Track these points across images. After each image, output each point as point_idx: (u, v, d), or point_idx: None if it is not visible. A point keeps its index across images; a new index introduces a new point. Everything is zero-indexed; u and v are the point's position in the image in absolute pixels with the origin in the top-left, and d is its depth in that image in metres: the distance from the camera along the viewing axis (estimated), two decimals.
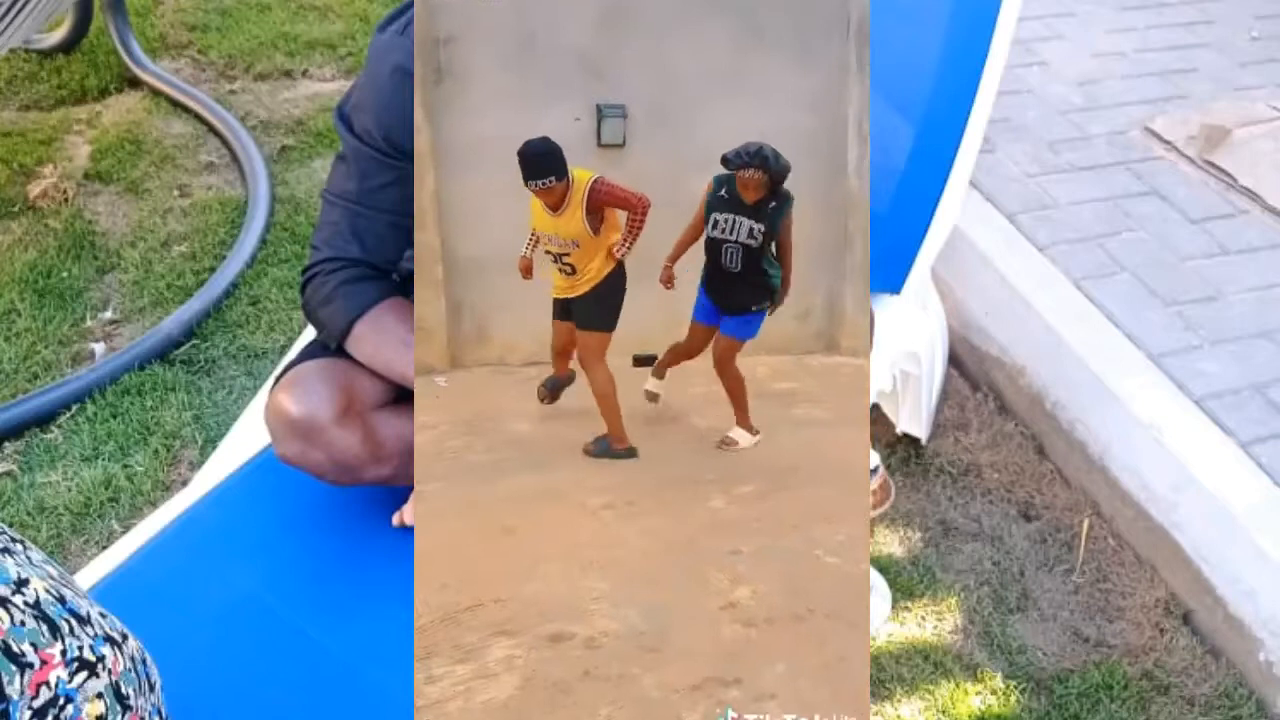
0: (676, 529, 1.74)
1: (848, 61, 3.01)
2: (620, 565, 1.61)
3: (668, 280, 2.10)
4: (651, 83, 2.84)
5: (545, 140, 1.92)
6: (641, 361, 2.44)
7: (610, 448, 2.07)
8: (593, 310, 2.06)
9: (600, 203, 1.97)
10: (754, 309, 2.08)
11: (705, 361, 2.17)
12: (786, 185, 1.98)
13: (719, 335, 2.12)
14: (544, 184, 1.92)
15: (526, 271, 2.14)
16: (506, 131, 2.18)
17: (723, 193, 2.00)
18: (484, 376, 2.79)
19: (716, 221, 2.01)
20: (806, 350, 2.99)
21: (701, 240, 2.06)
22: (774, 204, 1.97)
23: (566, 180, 1.95)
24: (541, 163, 1.91)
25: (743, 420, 2.15)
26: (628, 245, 2.00)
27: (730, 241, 2.01)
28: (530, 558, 1.63)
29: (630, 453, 2.07)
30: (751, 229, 1.98)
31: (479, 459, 2.09)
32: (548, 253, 2.05)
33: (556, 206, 1.97)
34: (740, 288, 2.06)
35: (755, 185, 1.94)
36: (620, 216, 2.01)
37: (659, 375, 2.32)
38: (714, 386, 2.17)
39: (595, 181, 1.96)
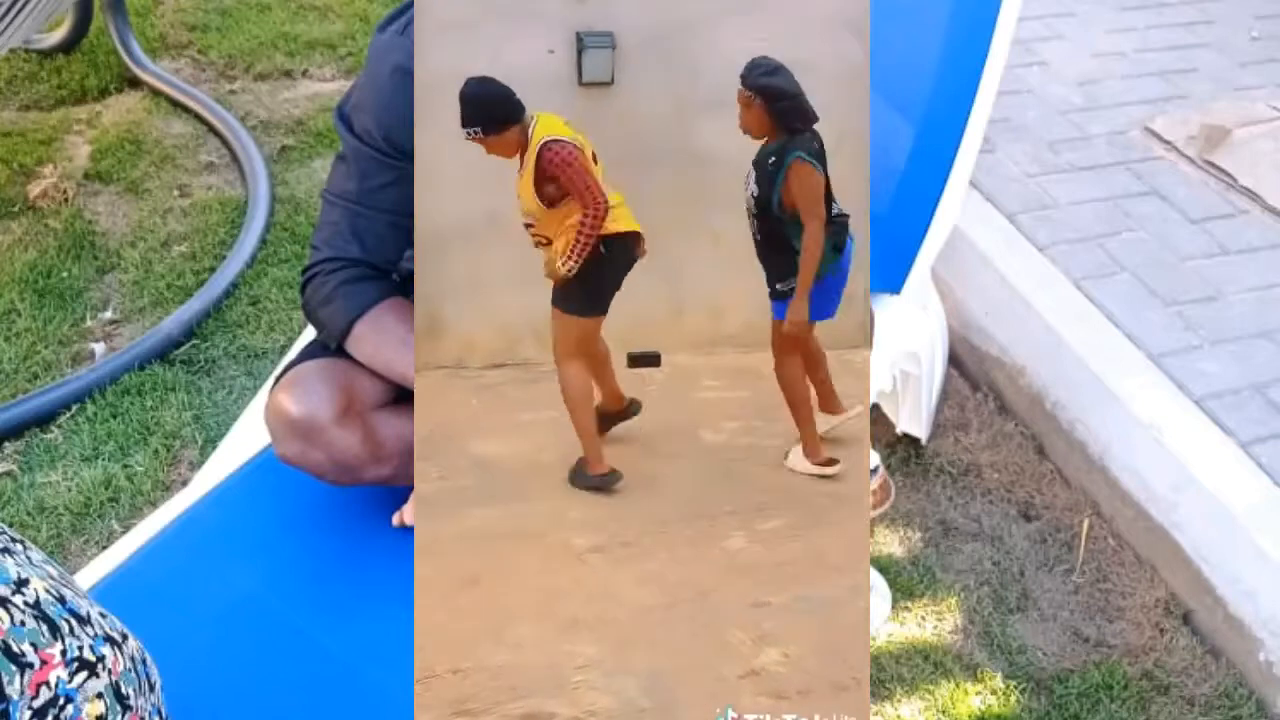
0: (685, 576, 1.45)
1: None
2: (613, 624, 1.33)
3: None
4: (644, 4, 2.28)
5: (482, 81, 1.64)
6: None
7: (584, 473, 1.74)
8: (566, 287, 1.73)
9: (548, 174, 1.66)
10: (777, 287, 1.72)
11: (711, 358, 1.91)
12: (820, 129, 1.64)
13: (774, 323, 1.73)
14: (472, 132, 1.64)
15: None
16: (462, 68, 1.73)
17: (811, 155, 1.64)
18: (438, 382, 2.31)
19: (747, 183, 1.66)
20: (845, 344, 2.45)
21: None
22: (773, 159, 1.65)
23: (513, 132, 1.65)
24: (469, 108, 1.63)
25: (808, 440, 1.74)
26: (572, 260, 1.67)
27: (747, 198, 1.67)
28: (498, 616, 1.36)
29: (607, 480, 1.71)
30: (749, 177, 1.65)
31: (432, 488, 1.76)
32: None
33: (520, 164, 1.68)
34: (770, 260, 1.72)
35: (751, 117, 1.63)
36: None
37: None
38: (727, 391, 1.91)
39: (544, 146, 1.64)
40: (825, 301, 1.70)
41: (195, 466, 2.21)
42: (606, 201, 1.66)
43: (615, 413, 1.89)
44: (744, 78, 1.61)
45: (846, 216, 1.71)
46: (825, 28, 2.31)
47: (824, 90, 1.61)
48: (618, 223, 1.68)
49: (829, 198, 1.66)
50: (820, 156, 1.64)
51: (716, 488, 1.73)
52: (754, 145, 1.68)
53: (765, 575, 1.45)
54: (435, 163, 2.11)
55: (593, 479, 1.72)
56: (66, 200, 3.01)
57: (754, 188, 1.67)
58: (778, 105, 1.60)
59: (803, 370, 1.74)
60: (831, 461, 1.74)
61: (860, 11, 2.31)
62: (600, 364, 1.84)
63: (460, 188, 2.14)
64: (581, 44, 2.26)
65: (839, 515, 1.61)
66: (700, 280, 1.83)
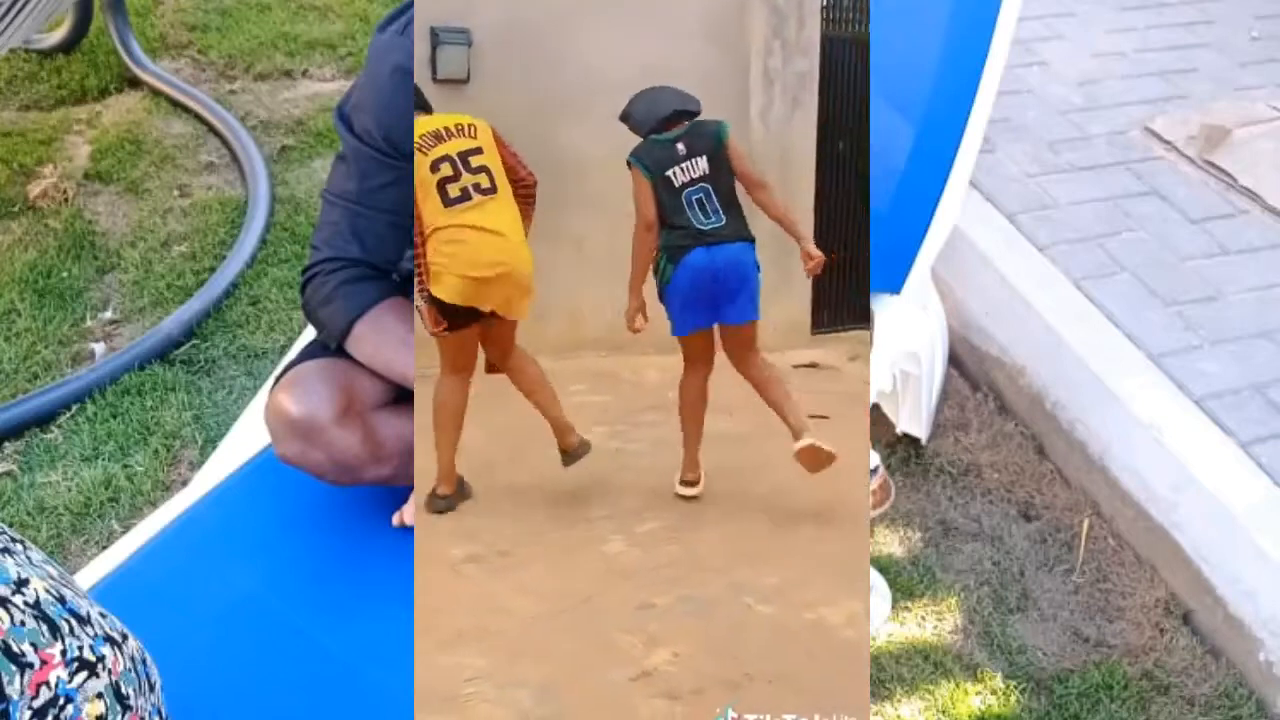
0: (566, 583, 1.44)
1: None
2: (498, 635, 1.31)
3: (638, 318, 1.75)
4: (503, 0, 2.21)
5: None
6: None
7: (435, 495, 1.78)
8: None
9: None
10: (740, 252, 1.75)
11: (572, 361, 1.88)
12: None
13: (724, 330, 1.78)
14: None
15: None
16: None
17: (656, 151, 1.75)
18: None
19: (674, 172, 1.73)
20: None
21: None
22: (705, 132, 1.76)
23: None
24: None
25: (796, 424, 1.75)
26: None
27: (696, 183, 1.73)
28: None
29: (452, 501, 1.73)
30: (709, 149, 1.74)
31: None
32: None
33: None
34: (718, 229, 1.75)
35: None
36: None
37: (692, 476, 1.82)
38: (592, 396, 1.85)
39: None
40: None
41: (195, 466, 2.21)
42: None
43: (567, 450, 1.83)
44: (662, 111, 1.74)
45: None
46: (684, 35, 2.27)
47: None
48: None
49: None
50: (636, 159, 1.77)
51: (590, 491, 1.73)
52: (616, 147, 1.74)
53: (647, 578, 1.44)
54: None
55: (440, 501, 1.77)
56: (66, 200, 3.01)
57: (698, 156, 1.75)
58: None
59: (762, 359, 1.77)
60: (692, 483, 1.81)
61: (721, 23, 2.31)
62: (531, 383, 1.80)
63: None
64: (436, 39, 2.21)
65: (712, 513, 1.62)
66: (561, 285, 1.80)
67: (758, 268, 1.74)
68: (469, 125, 1.72)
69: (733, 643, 1.27)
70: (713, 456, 1.82)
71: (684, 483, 1.82)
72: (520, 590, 1.42)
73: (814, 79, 2.64)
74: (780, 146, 2.62)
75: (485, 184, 1.70)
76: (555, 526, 1.58)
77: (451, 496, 1.78)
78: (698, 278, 1.71)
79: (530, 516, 1.63)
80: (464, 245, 1.66)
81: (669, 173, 1.74)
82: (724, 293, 1.72)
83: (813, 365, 2.66)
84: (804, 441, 1.70)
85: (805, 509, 1.75)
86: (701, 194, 1.73)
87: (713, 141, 1.76)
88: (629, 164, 1.74)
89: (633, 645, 1.27)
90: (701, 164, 1.73)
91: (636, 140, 1.78)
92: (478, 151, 1.71)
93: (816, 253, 1.71)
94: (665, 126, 1.76)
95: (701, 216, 1.72)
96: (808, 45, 2.62)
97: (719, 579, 1.43)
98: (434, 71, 2.23)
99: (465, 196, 1.68)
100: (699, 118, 1.79)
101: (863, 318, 2.67)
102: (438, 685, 1.20)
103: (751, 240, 1.75)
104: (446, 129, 1.71)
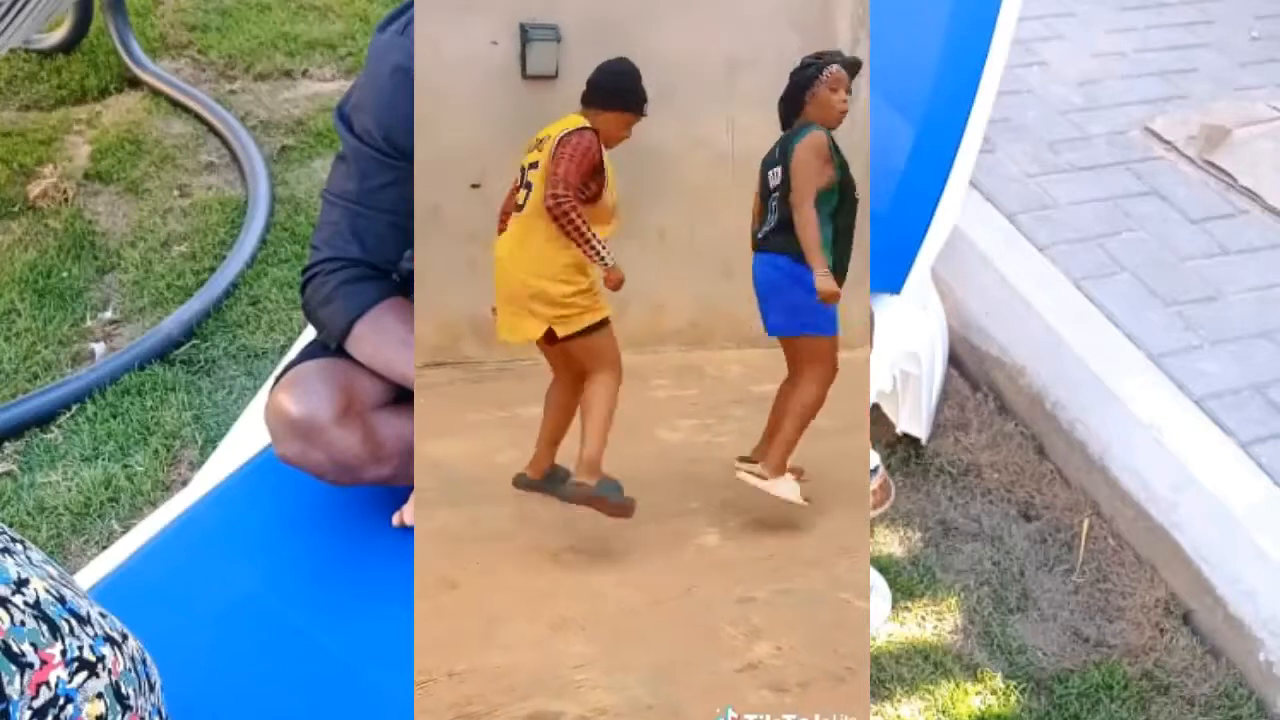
0: (664, 575, 1.43)
1: None
2: (603, 622, 1.30)
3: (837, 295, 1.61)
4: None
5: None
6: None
7: (524, 476, 1.71)
8: None
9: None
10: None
11: (660, 357, 1.86)
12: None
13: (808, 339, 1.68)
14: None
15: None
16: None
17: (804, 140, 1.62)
18: None
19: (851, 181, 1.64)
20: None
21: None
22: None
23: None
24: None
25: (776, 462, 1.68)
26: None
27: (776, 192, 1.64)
28: (485, 615, 1.33)
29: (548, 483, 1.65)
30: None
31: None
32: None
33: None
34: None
35: (840, 87, 1.61)
36: None
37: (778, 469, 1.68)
38: (678, 390, 1.84)
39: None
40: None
41: (195, 466, 2.21)
42: (565, 196, 1.53)
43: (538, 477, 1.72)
44: (837, 62, 1.57)
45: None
46: (767, 24, 2.26)
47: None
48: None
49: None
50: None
51: (681, 485, 1.71)
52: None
53: (746, 571, 1.44)
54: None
55: (521, 478, 1.70)
56: (66, 200, 3.01)
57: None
58: (853, 65, 1.58)
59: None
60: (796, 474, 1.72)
61: (805, 11, 2.28)
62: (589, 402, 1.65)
63: None
64: (526, 36, 2.22)
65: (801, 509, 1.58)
66: (644, 277, 1.74)
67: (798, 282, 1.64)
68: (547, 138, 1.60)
69: (834, 637, 1.27)
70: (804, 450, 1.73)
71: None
72: (619, 582, 1.40)
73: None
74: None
75: (520, 200, 1.62)
76: (649, 519, 1.54)
77: (539, 481, 1.69)
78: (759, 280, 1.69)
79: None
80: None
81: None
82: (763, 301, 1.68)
83: None
84: (781, 488, 1.65)
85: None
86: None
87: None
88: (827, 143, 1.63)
89: (735, 637, 1.27)
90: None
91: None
92: (534, 165, 1.59)
93: (829, 287, 1.59)
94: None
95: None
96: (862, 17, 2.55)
97: (817, 573, 1.42)
98: (524, 68, 2.23)
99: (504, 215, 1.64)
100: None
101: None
102: (550, 672, 1.19)
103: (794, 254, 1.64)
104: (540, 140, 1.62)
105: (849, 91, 1.63)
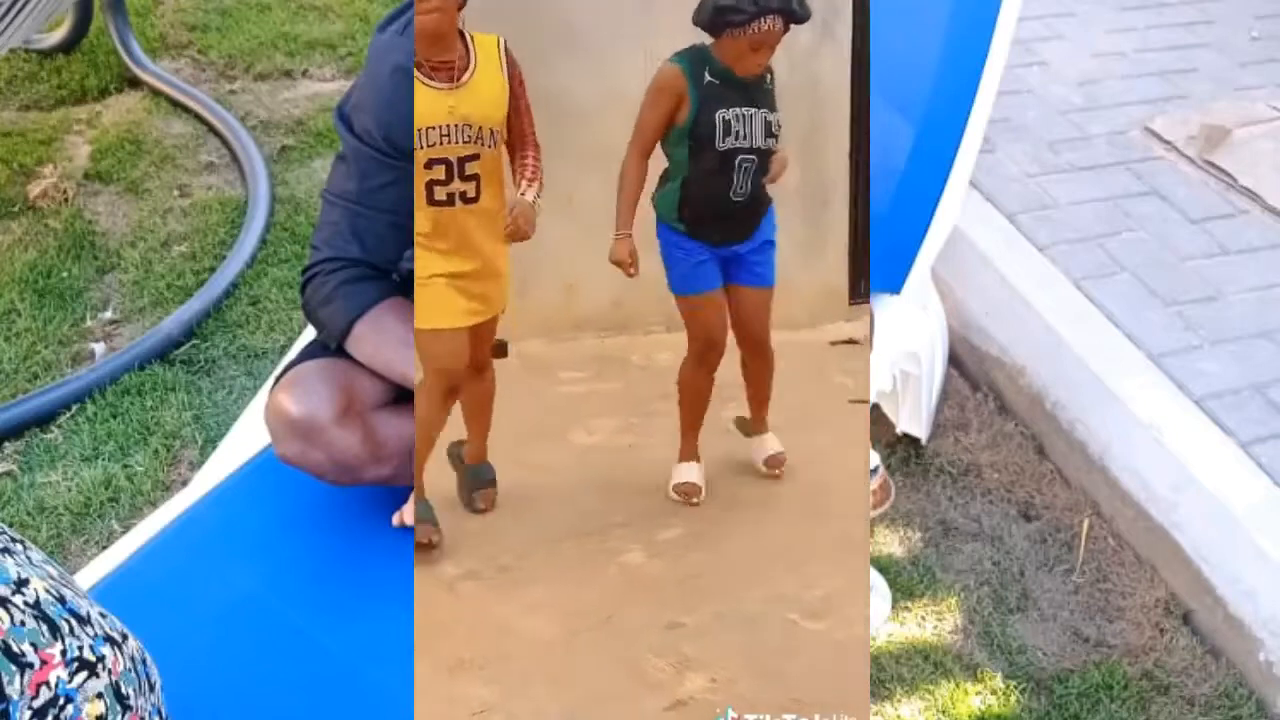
0: (580, 600, 1.29)
1: None
2: (509, 660, 1.18)
3: (632, 260, 1.49)
4: None
5: None
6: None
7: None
8: None
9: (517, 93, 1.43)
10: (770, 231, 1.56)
11: (571, 348, 1.68)
12: None
13: (738, 290, 1.56)
14: None
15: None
16: None
17: (709, 77, 1.44)
18: None
19: (726, 121, 1.44)
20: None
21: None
22: (773, 89, 1.48)
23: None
24: None
25: (761, 418, 1.66)
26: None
27: (746, 151, 1.45)
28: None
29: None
30: (768, 123, 1.46)
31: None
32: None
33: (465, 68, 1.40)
34: (745, 216, 1.54)
35: (769, 42, 1.42)
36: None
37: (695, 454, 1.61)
38: (597, 384, 1.70)
39: (509, 51, 1.41)
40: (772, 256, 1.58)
41: (195, 466, 2.21)
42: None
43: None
44: (784, 5, 1.41)
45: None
46: None
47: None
48: None
49: None
50: None
51: (602, 496, 1.53)
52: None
53: (674, 593, 1.27)
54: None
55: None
56: (66, 200, 3.01)
57: (773, 118, 1.50)
58: (802, 17, 1.43)
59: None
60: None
61: None
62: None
63: None
64: None
65: (742, 517, 1.42)
66: (551, 250, 1.51)
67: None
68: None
69: (779, 664, 1.15)
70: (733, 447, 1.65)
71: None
72: (527, 610, 1.27)
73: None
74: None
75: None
76: (564, 535, 1.42)
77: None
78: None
79: (533, 527, 1.46)
80: None
81: None
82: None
83: (852, 342, 2.41)
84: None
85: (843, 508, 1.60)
86: None
87: None
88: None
89: (663, 669, 1.15)
90: (760, 123, 1.53)
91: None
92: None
93: (618, 253, 1.48)
94: None
95: None
96: None
97: (758, 592, 1.28)
98: None
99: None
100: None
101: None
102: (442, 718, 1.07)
103: None
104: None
105: (774, 47, 1.45)
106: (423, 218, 1.37)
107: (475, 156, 1.40)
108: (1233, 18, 3.56)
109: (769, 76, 1.50)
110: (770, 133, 1.48)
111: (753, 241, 1.56)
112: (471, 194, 1.41)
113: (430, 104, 1.36)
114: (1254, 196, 2.78)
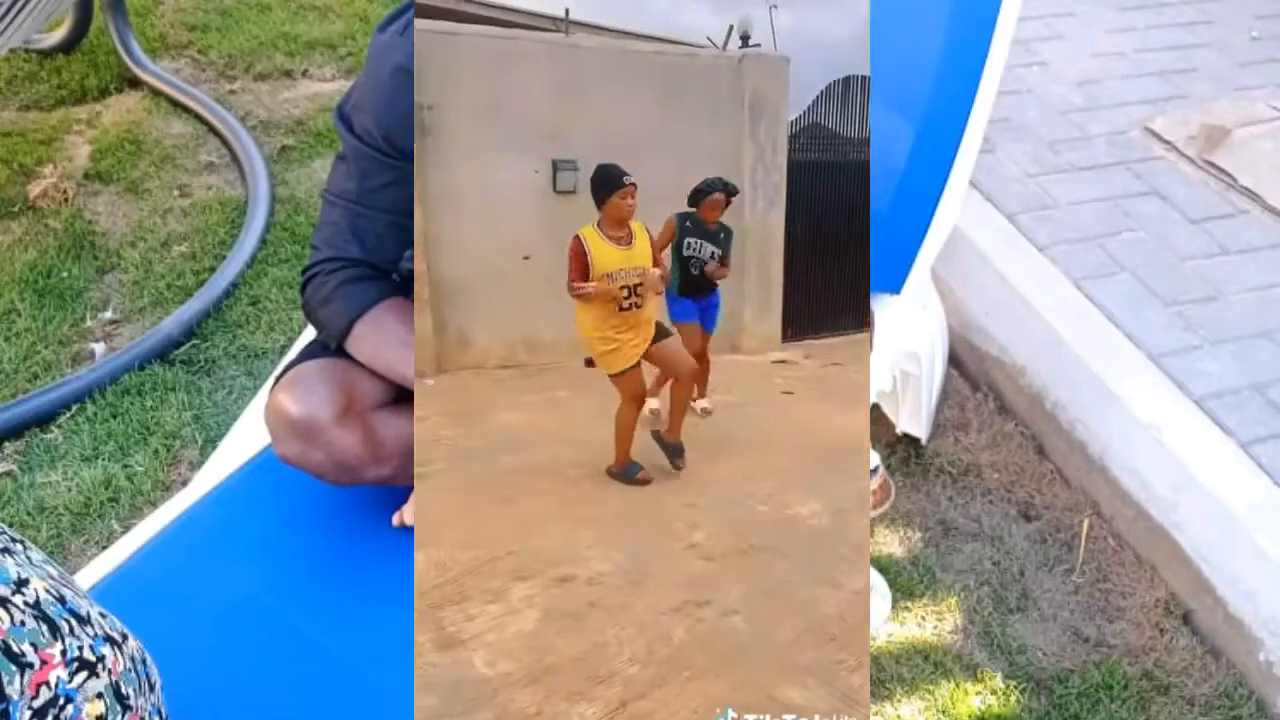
0: (642, 491, 2.08)
1: (743, 127, 3.92)
2: (603, 520, 1.89)
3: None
4: (596, 141, 3.44)
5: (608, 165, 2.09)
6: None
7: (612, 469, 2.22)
8: None
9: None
10: (716, 300, 2.63)
11: None
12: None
13: (700, 331, 2.59)
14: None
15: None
16: (478, 178, 3.23)
17: (688, 223, 2.50)
18: (466, 378, 3.31)
19: (690, 244, 2.54)
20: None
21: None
22: (723, 234, 2.53)
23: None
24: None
25: (703, 392, 2.70)
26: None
27: (696, 259, 2.55)
28: (531, 519, 1.89)
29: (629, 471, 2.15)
30: (713, 252, 2.53)
31: (473, 444, 2.43)
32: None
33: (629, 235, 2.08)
34: (704, 287, 2.59)
35: (718, 206, 2.46)
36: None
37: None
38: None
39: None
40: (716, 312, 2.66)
41: (195, 466, 2.21)
42: (571, 287, 2.04)
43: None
44: (711, 184, 2.45)
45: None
46: (703, 156, 3.59)
47: None
48: None
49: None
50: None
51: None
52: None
53: (692, 487, 2.06)
54: (459, 239, 3.35)
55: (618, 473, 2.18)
56: (66, 200, 3.01)
57: (715, 250, 2.52)
58: (732, 192, 2.51)
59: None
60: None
61: (725, 150, 3.83)
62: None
63: (474, 253, 3.40)
64: (556, 167, 3.53)
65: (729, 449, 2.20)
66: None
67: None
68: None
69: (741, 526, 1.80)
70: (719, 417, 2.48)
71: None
72: (614, 496, 2.09)
73: (783, 188, 4.16)
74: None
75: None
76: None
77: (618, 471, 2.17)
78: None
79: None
80: None
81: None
82: None
83: (784, 361, 3.84)
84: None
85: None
86: None
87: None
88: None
89: (682, 528, 1.82)
90: (708, 251, 2.56)
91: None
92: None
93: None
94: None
95: None
96: (779, 166, 4.13)
97: (735, 488, 1.98)
98: (554, 187, 3.53)
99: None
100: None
101: (811, 331, 4.38)
102: (570, 550, 1.70)
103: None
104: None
105: (723, 209, 2.49)
106: (617, 320, 2.05)
107: (640, 283, 2.05)
108: (1233, 18, 3.57)
109: (721, 233, 2.54)
110: (711, 256, 2.53)
111: (708, 301, 2.64)
112: (640, 303, 2.06)
113: (614, 256, 2.03)
114: (1254, 196, 2.78)
